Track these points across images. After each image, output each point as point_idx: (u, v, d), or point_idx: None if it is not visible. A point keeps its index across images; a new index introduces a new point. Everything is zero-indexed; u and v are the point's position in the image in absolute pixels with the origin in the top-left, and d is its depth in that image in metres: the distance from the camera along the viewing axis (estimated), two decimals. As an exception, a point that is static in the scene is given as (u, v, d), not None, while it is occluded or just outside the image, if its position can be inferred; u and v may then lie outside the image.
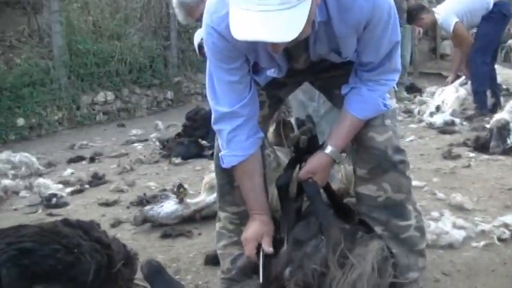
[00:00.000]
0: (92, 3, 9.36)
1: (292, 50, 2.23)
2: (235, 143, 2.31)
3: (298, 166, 2.51)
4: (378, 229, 2.43)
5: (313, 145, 2.49)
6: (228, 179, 2.55)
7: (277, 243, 2.44)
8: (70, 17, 8.74)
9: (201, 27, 4.89)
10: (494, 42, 7.00)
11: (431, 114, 6.71)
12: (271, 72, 2.38)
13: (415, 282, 2.51)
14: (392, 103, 2.44)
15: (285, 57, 2.27)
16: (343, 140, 2.37)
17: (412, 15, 7.16)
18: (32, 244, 2.57)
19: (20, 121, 7.78)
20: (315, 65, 2.39)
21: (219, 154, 2.40)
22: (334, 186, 2.72)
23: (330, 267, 2.19)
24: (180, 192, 3.89)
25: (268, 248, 2.37)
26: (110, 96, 8.91)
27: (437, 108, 6.77)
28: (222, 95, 2.27)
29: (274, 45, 1.97)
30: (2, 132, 7.55)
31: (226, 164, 2.37)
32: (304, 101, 3.60)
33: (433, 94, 7.44)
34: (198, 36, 6.18)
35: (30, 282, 2.52)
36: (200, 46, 6.11)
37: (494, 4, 6.67)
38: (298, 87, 2.85)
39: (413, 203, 2.51)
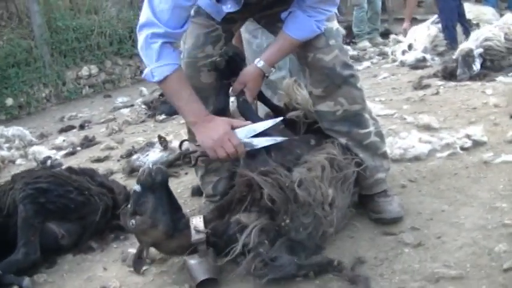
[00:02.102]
0: (67, -21, 9.37)
1: None
2: (166, 53, 2.33)
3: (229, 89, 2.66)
4: (342, 140, 2.69)
5: (235, 66, 2.63)
6: None
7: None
8: (46, -5, 8.78)
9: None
10: (460, -22, 7.12)
11: (403, 52, 6.87)
12: (227, 8, 2.51)
13: (382, 182, 2.80)
14: (334, 24, 2.67)
15: None
16: (275, 56, 2.60)
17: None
18: (48, 185, 2.84)
19: (9, 101, 7.86)
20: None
21: (148, 70, 2.35)
22: (280, 102, 2.96)
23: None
24: (161, 141, 4.08)
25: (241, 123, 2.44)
26: (94, 69, 8.99)
27: (410, 47, 6.91)
28: (163, 17, 2.28)
29: None
30: (-8, 113, 7.65)
31: (159, 75, 2.33)
32: (248, 38, 3.85)
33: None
34: None
35: (44, 219, 2.79)
36: None
37: None
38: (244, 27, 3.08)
39: (369, 112, 2.77)
